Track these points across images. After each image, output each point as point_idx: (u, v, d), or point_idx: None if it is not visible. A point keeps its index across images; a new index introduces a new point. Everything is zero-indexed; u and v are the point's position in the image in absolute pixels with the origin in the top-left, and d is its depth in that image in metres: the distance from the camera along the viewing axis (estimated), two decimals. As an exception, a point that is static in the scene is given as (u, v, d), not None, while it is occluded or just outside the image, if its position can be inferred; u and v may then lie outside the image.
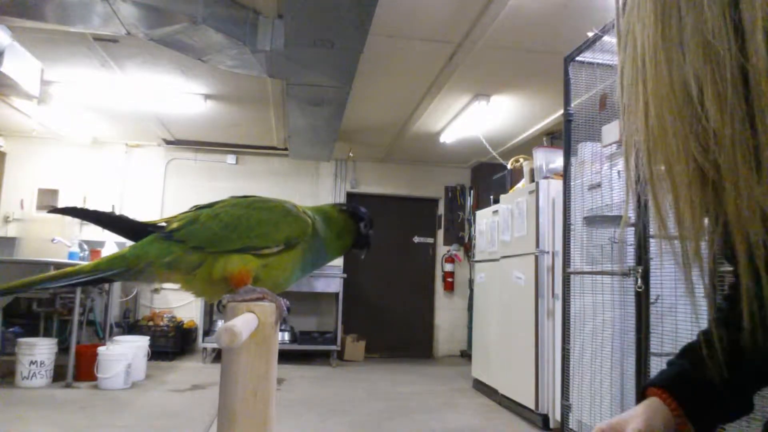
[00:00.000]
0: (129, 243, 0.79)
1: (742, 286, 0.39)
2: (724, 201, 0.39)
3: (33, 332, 4.94)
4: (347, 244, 0.85)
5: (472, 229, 6.32)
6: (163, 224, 0.78)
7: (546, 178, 3.77)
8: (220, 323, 6.29)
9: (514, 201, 4.05)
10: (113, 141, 6.37)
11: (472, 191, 6.98)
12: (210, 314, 5.92)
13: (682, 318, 2.17)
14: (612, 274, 2.63)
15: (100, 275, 0.76)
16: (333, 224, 0.84)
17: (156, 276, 0.75)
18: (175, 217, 0.79)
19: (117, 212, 0.85)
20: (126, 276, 0.76)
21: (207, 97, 4.76)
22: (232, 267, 0.70)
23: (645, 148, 0.43)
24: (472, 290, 5.97)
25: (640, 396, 0.65)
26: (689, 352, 0.64)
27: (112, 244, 5.49)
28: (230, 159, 6.59)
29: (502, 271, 4.19)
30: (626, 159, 0.47)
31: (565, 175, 3.04)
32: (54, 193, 6.21)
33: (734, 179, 0.37)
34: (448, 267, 6.91)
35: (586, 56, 2.87)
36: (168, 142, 6.40)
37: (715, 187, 0.39)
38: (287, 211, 0.77)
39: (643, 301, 2.35)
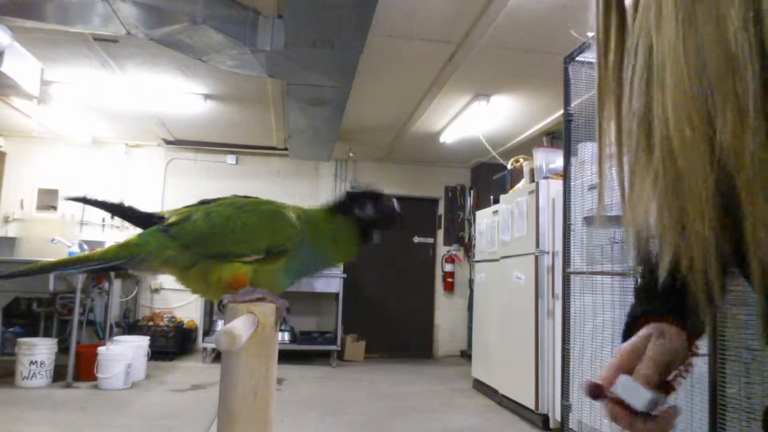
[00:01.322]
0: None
1: (756, 303, 0.39)
2: (739, 218, 0.38)
3: (33, 332, 4.94)
4: (353, 243, 0.79)
5: (472, 229, 6.33)
6: (166, 216, 0.78)
7: (546, 178, 3.77)
8: (220, 323, 6.30)
9: (514, 201, 4.05)
10: (113, 141, 6.37)
11: (472, 191, 6.98)
12: (210, 314, 5.92)
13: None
14: (612, 274, 2.63)
15: (108, 264, 0.77)
16: (325, 232, 0.77)
17: (157, 267, 0.75)
18: (177, 210, 0.80)
19: (124, 203, 0.86)
20: (130, 265, 0.76)
21: (207, 97, 4.76)
22: (227, 275, 0.69)
23: (661, 156, 0.42)
24: (472, 290, 5.97)
25: (630, 327, 0.63)
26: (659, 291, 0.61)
27: (111, 244, 5.47)
28: (230, 159, 6.59)
29: (502, 271, 4.19)
30: (618, 159, 0.47)
31: (565, 175, 3.04)
32: (54, 193, 6.21)
33: (751, 197, 0.37)
34: (448, 267, 6.91)
35: (586, 56, 2.87)
36: (168, 142, 6.41)
37: (730, 203, 0.39)
38: (275, 217, 0.73)
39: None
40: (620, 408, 0.57)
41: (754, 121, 0.36)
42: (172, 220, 0.76)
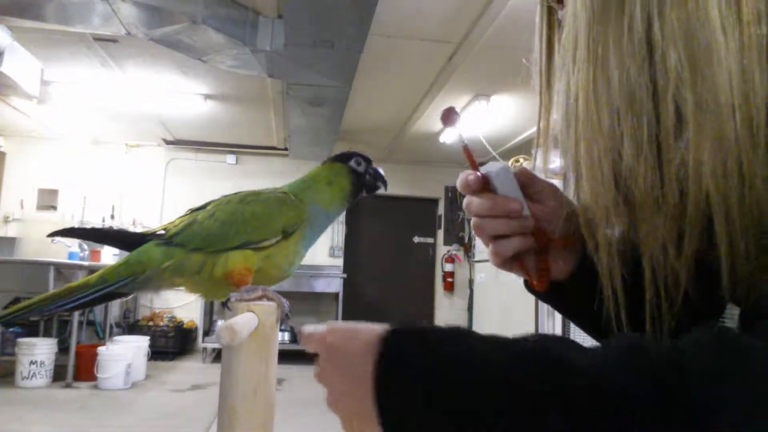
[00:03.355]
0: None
1: (646, 301, 0.46)
2: (637, 231, 0.45)
3: (33, 332, 4.93)
4: (345, 189, 0.81)
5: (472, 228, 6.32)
6: (162, 231, 0.77)
7: (546, 177, 3.77)
8: (220, 323, 6.30)
9: (514, 201, 4.04)
10: (113, 141, 6.36)
11: (472, 191, 6.98)
12: (210, 314, 5.93)
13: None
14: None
15: (109, 287, 0.74)
16: (320, 180, 0.80)
17: (163, 281, 0.74)
18: (171, 223, 0.79)
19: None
20: (134, 285, 0.74)
21: (207, 97, 4.76)
22: (232, 265, 0.70)
23: (574, 179, 0.50)
24: (472, 290, 5.97)
25: None
26: None
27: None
28: (230, 159, 6.59)
29: (502, 271, 4.19)
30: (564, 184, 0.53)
31: (565, 175, 3.04)
32: (54, 193, 6.21)
33: (644, 214, 0.44)
34: (448, 267, 6.91)
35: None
36: (168, 142, 6.41)
37: (631, 217, 0.46)
38: (280, 200, 0.76)
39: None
40: (478, 177, 0.58)
41: (647, 154, 0.43)
42: (172, 231, 0.76)
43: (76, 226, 5.98)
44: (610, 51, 0.45)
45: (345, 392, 0.44)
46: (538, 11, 0.59)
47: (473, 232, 0.61)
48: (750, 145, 0.39)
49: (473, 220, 0.60)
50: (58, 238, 5.11)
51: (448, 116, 0.60)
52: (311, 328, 0.47)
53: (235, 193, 0.81)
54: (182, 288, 0.75)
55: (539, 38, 0.59)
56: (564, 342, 0.39)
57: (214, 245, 0.72)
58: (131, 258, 0.74)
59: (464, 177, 0.59)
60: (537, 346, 0.39)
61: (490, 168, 0.58)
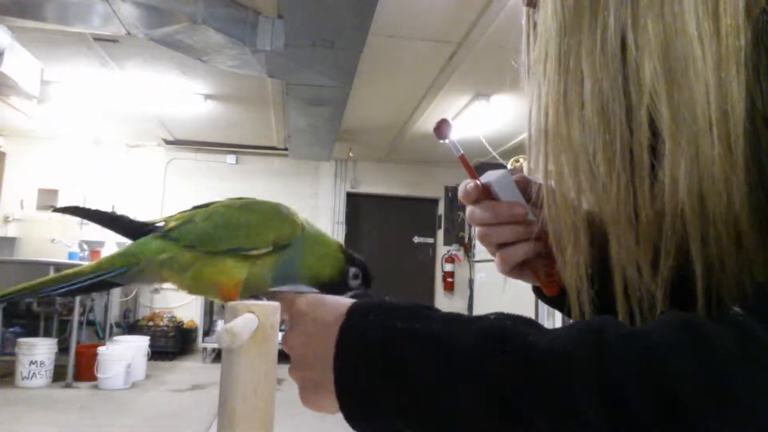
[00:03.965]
0: (129, 243, 0.79)
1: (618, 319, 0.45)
2: (609, 246, 0.44)
3: (33, 332, 4.94)
4: (326, 274, 0.75)
5: (472, 229, 6.33)
6: (162, 224, 0.78)
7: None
8: (220, 323, 6.31)
9: (514, 201, 4.05)
10: (113, 141, 6.37)
11: (472, 191, 6.98)
12: (210, 314, 5.92)
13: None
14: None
15: (103, 276, 0.75)
16: (317, 245, 0.75)
17: (154, 274, 0.74)
18: (172, 216, 0.79)
19: (117, 212, 0.82)
20: (128, 277, 0.75)
21: (207, 97, 4.76)
22: (222, 278, 0.70)
23: (545, 189, 0.48)
24: (472, 290, 5.97)
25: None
26: None
27: (112, 244, 5.48)
28: (230, 159, 6.59)
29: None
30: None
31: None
32: (54, 193, 6.21)
33: (616, 230, 0.42)
34: (448, 267, 6.91)
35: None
36: (168, 142, 6.40)
37: (602, 233, 0.45)
38: (279, 212, 0.76)
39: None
40: (478, 186, 0.57)
41: (620, 170, 0.42)
42: (171, 225, 0.76)
43: (76, 226, 5.99)
44: (581, 63, 0.44)
45: (308, 360, 0.46)
46: (523, 12, 0.57)
47: (478, 241, 0.60)
48: (728, 162, 0.38)
49: (478, 230, 0.59)
50: (58, 238, 5.12)
51: (441, 128, 0.59)
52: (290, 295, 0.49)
53: (239, 198, 0.81)
54: (171, 283, 0.76)
55: (526, 40, 0.57)
56: (523, 320, 0.40)
57: (205, 246, 0.72)
58: (128, 249, 0.74)
59: (464, 187, 0.58)
60: (495, 322, 0.39)
61: (490, 175, 0.57)
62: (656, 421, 0.31)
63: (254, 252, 0.72)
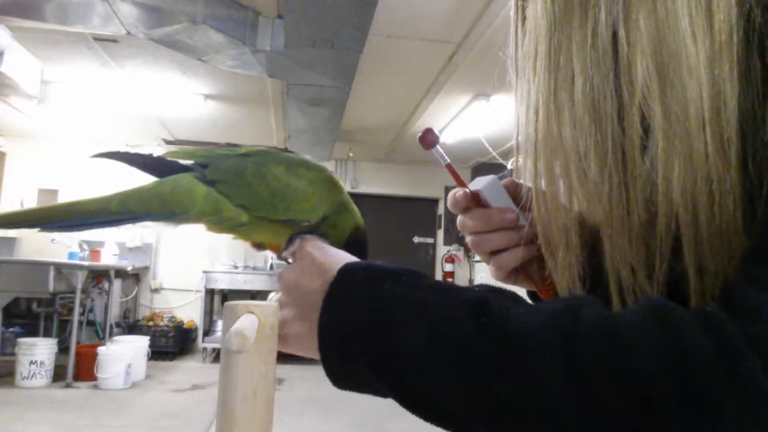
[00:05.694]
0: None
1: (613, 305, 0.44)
2: (602, 246, 0.43)
3: (33, 332, 4.94)
4: (341, 236, 0.76)
5: (472, 229, 6.32)
6: (190, 162, 0.72)
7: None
8: (220, 323, 6.30)
9: (514, 201, 4.05)
10: (113, 141, 6.36)
11: (472, 191, 6.98)
12: (210, 314, 5.92)
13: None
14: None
15: (133, 219, 0.67)
16: (347, 216, 0.75)
17: (192, 222, 0.72)
18: (195, 151, 0.74)
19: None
20: (161, 221, 0.71)
21: (207, 97, 4.76)
22: (273, 238, 0.71)
23: (534, 190, 0.47)
24: (472, 290, 5.97)
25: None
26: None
27: (112, 243, 5.49)
28: (230, 159, 6.58)
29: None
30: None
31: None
32: (54, 193, 6.21)
33: (609, 232, 0.42)
34: (448, 267, 6.91)
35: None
36: (168, 142, 6.40)
37: (594, 233, 0.44)
38: (332, 182, 0.73)
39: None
40: (467, 194, 0.57)
41: (611, 169, 0.41)
42: (211, 173, 0.72)
43: (76, 226, 5.98)
44: (572, 59, 0.42)
45: (299, 294, 0.48)
46: (512, 4, 0.56)
47: (472, 251, 0.60)
48: (721, 161, 0.37)
49: (470, 238, 0.58)
50: (57, 239, 5.12)
51: (426, 138, 0.59)
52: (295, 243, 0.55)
53: (282, 150, 0.78)
54: (204, 227, 0.74)
55: (514, 32, 0.56)
56: (509, 294, 0.41)
57: (261, 212, 0.71)
58: (165, 192, 0.68)
59: (452, 195, 0.58)
60: (480, 294, 0.40)
61: (479, 182, 0.57)
62: (617, 400, 0.31)
63: (306, 224, 0.72)
